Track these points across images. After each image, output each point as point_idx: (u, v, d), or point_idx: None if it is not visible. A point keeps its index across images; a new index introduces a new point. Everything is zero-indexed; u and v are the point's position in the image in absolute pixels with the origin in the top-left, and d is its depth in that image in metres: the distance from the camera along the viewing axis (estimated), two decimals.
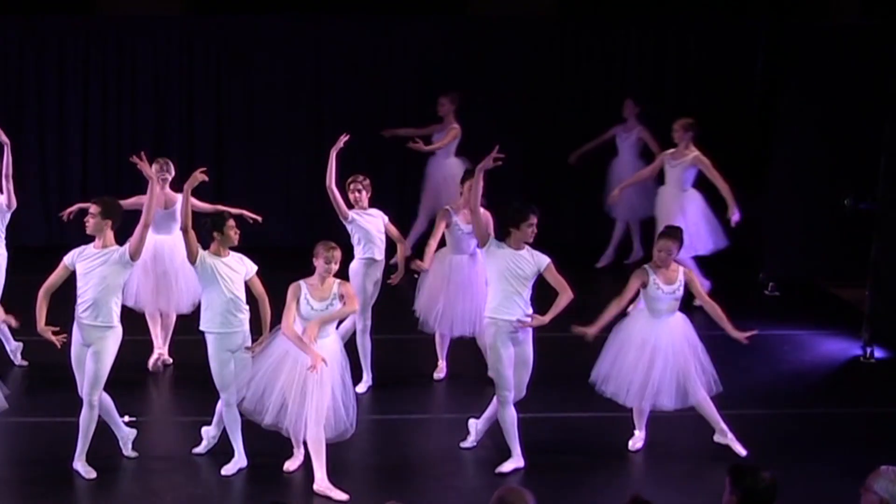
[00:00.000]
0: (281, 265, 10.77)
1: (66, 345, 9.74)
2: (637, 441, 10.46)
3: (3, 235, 11.68)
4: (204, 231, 9.84)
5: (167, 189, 11.89)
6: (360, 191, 11.47)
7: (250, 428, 9.92)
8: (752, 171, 16.28)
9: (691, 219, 13.63)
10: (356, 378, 10.54)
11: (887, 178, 12.79)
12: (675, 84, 16.78)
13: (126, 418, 10.34)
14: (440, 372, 11.96)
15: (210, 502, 9.73)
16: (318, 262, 9.59)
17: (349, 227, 11.44)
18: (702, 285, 13.37)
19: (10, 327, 11.18)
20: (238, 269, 9.84)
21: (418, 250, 12.25)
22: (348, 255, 10.92)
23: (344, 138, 11.50)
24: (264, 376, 9.51)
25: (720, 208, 13.70)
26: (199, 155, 15.72)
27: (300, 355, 9.37)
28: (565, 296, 9.88)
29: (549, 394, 11.22)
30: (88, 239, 9.80)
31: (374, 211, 11.61)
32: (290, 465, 9.93)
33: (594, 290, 14.11)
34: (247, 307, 9.85)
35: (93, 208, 9.77)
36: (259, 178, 16.43)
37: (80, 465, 9.85)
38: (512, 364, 9.88)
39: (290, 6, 16.44)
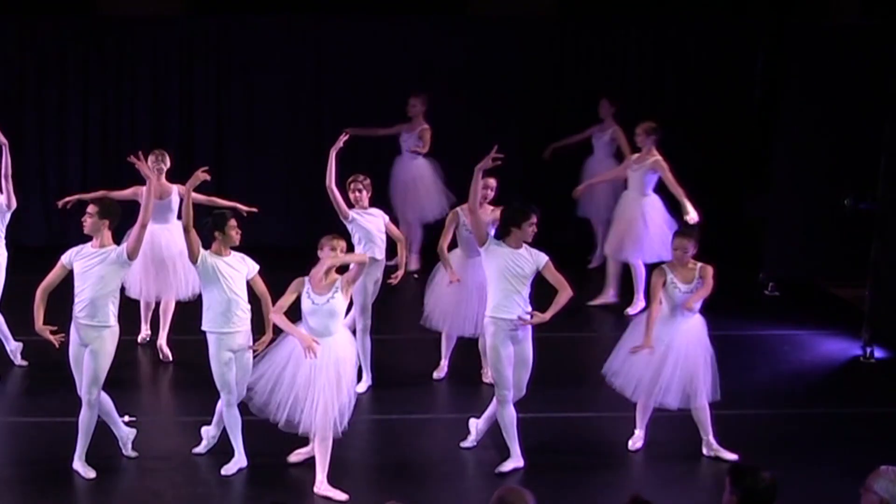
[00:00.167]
0: (281, 265, 10.75)
1: (65, 344, 9.74)
2: (637, 441, 10.47)
3: (3, 235, 11.69)
4: (205, 230, 9.83)
5: (163, 179, 12.09)
6: (360, 190, 11.47)
7: (250, 428, 9.93)
8: (752, 171, 16.30)
9: (651, 224, 13.60)
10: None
11: (887, 178, 12.79)
12: (675, 84, 16.78)
13: (126, 418, 10.35)
14: (440, 371, 11.96)
15: (210, 502, 9.73)
16: (324, 255, 9.57)
17: (349, 227, 11.44)
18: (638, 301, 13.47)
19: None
20: (239, 269, 9.84)
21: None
22: None
23: (344, 137, 11.52)
24: (273, 375, 9.49)
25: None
26: (198, 155, 15.73)
27: (320, 358, 9.36)
28: (565, 293, 9.89)
29: (549, 394, 11.22)
30: (88, 238, 9.79)
31: (375, 210, 11.61)
32: (295, 457, 9.91)
33: (594, 290, 14.16)
34: (248, 307, 9.85)
35: (90, 208, 9.77)
36: (259, 177, 16.43)
37: (80, 465, 9.85)
38: (511, 363, 9.88)
39: (290, 6, 16.44)
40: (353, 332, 11.52)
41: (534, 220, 9.84)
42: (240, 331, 9.80)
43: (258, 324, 9.87)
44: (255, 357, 9.81)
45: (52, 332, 9.67)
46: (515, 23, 16.58)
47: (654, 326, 9.98)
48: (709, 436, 10.27)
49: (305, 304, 9.50)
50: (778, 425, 11.05)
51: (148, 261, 11.88)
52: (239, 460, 9.97)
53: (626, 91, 16.64)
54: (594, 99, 16.02)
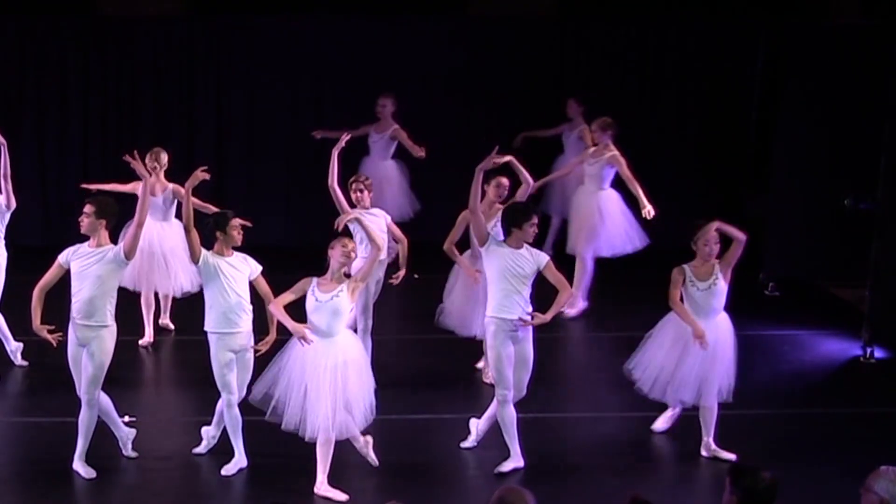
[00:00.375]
0: (281, 265, 10.76)
1: (64, 344, 9.73)
2: (662, 422, 10.47)
3: (3, 235, 11.69)
4: (206, 230, 9.82)
5: (160, 176, 12.39)
6: (361, 190, 11.48)
7: (250, 428, 9.93)
8: (752, 171, 16.30)
9: (608, 219, 13.61)
10: None
11: (887, 179, 12.79)
12: (675, 84, 16.78)
13: (126, 418, 10.35)
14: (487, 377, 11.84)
15: (210, 502, 9.73)
16: (335, 253, 9.56)
17: (351, 227, 11.44)
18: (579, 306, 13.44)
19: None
20: (242, 269, 9.82)
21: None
22: None
23: (346, 137, 11.55)
24: (284, 381, 9.48)
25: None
26: (198, 155, 15.71)
27: (317, 356, 9.37)
28: (565, 293, 9.91)
29: (549, 394, 11.22)
30: (86, 238, 9.78)
31: (377, 210, 11.62)
32: (368, 449, 9.94)
33: (594, 290, 14.15)
34: (250, 307, 9.84)
35: (87, 208, 9.73)
36: (259, 178, 16.44)
37: (80, 465, 9.84)
38: (511, 363, 9.88)
39: (290, 6, 16.45)
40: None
41: (535, 220, 9.85)
42: (241, 331, 9.78)
43: (261, 324, 9.86)
44: (257, 355, 9.80)
45: (50, 332, 9.67)
46: (515, 23, 16.59)
47: (681, 322, 9.97)
48: (709, 437, 10.27)
49: (309, 302, 9.48)
50: (778, 425, 11.06)
51: (143, 254, 11.95)
52: (239, 460, 9.97)
53: (627, 91, 16.66)
54: (594, 99, 16.04)
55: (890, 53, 12.89)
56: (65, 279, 9.72)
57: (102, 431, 9.96)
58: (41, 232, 16.02)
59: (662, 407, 10.47)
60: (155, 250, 12.36)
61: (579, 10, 16.81)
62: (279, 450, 9.92)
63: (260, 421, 9.66)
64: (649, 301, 13.58)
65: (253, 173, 16.48)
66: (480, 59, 16.50)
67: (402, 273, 11.67)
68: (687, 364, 10.04)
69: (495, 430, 10.16)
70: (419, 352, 12.54)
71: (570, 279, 11.46)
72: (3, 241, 11.70)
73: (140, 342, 12.62)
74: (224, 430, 10.06)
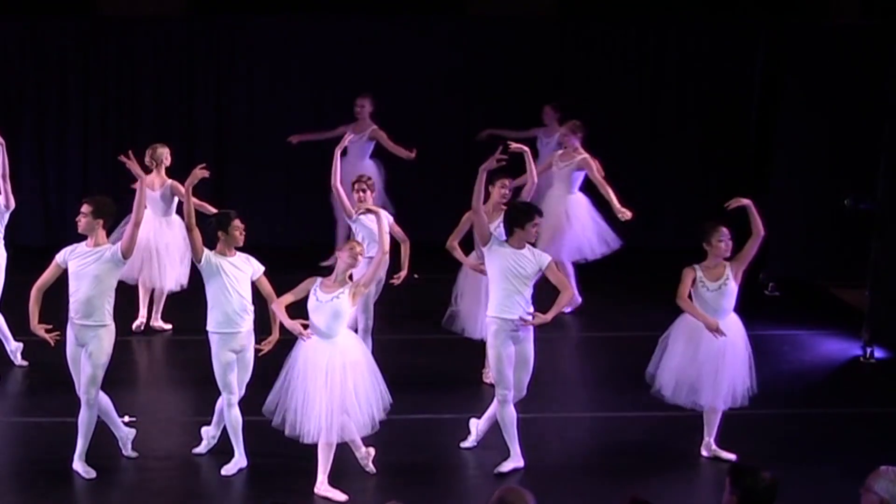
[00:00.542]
0: (281, 265, 10.76)
1: (62, 344, 9.74)
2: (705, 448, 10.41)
3: (2, 235, 11.69)
4: (209, 231, 9.82)
5: (160, 171, 12.72)
6: (364, 191, 11.48)
7: (250, 428, 9.93)
8: (752, 171, 16.29)
9: (576, 223, 13.57)
10: None
11: (887, 179, 12.79)
12: (675, 84, 16.78)
13: (126, 418, 10.35)
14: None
15: (210, 502, 9.73)
16: (342, 255, 9.56)
17: (354, 227, 11.47)
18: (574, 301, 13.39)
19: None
20: (244, 269, 9.81)
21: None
22: None
23: (349, 137, 11.57)
24: (286, 383, 9.48)
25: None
26: (199, 155, 15.69)
27: (316, 356, 9.37)
28: (566, 293, 9.90)
29: (549, 394, 11.22)
30: (83, 237, 9.78)
31: (380, 210, 11.60)
32: (368, 461, 9.94)
33: (594, 290, 14.16)
34: (252, 308, 9.83)
35: (84, 208, 9.73)
36: (259, 178, 16.43)
37: (80, 465, 9.84)
38: (512, 363, 9.88)
39: (290, 6, 16.45)
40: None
41: (537, 221, 9.85)
42: (242, 331, 9.78)
43: (265, 324, 9.85)
44: (259, 355, 9.79)
45: (47, 331, 9.68)
46: (515, 23, 16.59)
47: (690, 323, 9.95)
48: (710, 437, 10.26)
49: (310, 301, 9.48)
50: (778, 425, 11.05)
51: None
52: (239, 460, 9.97)
53: (627, 91, 16.66)
54: (594, 99, 16.05)
55: (890, 53, 12.89)
56: (63, 279, 9.72)
57: (102, 431, 9.96)
58: (41, 232, 16.02)
59: (662, 407, 10.45)
60: (150, 245, 12.55)
61: (579, 10, 16.81)
62: (279, 450, 9.91)
63: (260, 421, 9.67)
64: (649, 301, 13.65)
65: (253, 173, 16.47)
66: (480, 59, 16.50)
67: (403, 273, 11.67)
68: (702, 367, 9.99)
69: (495, 430, 10.16)
70: (419, 352, 12.54)
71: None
72: (3, 241, 11.70)
73: (133, 325, 12.78)
74: (224, 430, 10.06)
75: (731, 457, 10.10)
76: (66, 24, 16.22)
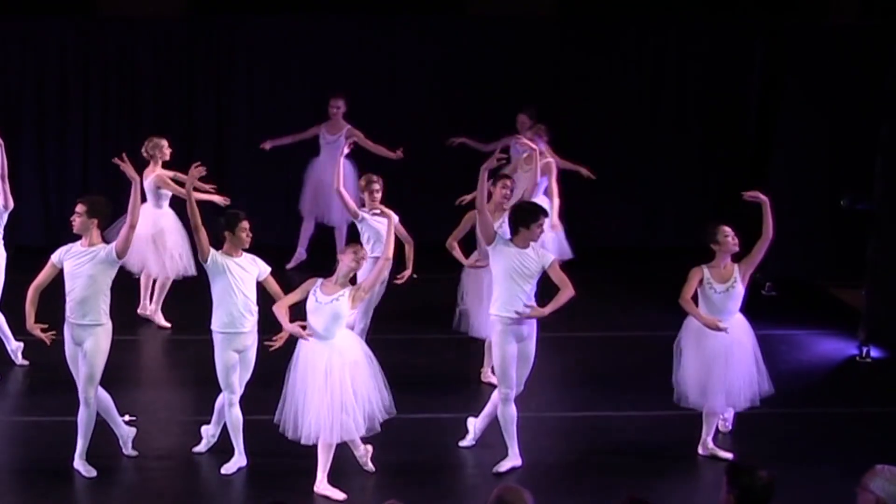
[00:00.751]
0: (281, 264, 10.77)
1: (61, 343, 9.75)
2: (722, 425, 10.46)
3: (2, 235, 11.71)
4: (216, 231, 9.82)
5: (157, 165, 13.02)
6: (376, 191, 11.50)
7: (250, 428, 9.94)
8: (751, 172, 16.30)
9: None
10: None
11: (884, 179, 12.80)
12: (675, 84, 16.79)
13: (126, 417, 10.36)
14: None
15: (210, 502, 9.75)
16: (345, 258, 9.58)
17: (359, 227, 11.50)
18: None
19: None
20: (250, 270, 9.81)
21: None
22: None
23: (350, 143, 11.66)
24: (288, 385, 9.50)
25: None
26: (199, 155, 15.68)
27: (314, 356, 9.40)
28: (566, 292, 9.90)
29: (549, 394, 11.24)
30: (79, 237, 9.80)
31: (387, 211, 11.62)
32: (367, 459, 9.94)
33: (594, 290, 14.17)
34: (256, 308, 9.84)
35: (79, 207, 9.76)
36: (260, 178, 16.44)
37: (80, 464, 9.86)
38: (515, 361, 9.90)
39: (290, 6, 16.46)
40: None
41: (542, 220, 9.88)
42: (246, 332, 9.79)
43: (271, 324, 9.85)
44: (270, 350, 9.78)
45: (43, 331, 9.70)
46: (515, 23, 16.60)
47: (695, 326, 9.94)
48: (708, 436, 10.28)
49: (310, 302, 9.50)
50: (776, 425, 11.05)
51: None
52: (239, 460, 9.98)
53: (627, 91, 16.67)
54: (594, 99, 16.05)
55: (890, 53, 12.90)
56: (60, 279, 9.73)
57: (103, 430, 9.97)
58: (41, 232, 16.02)
59: (660, 406, 10.46)
60: (146, 235, 12.71)
61: (579, 10, 16.81)
62: (279, 449, 9.92)
63: (260, 420, 9.69)
64: (649, 301, 13.67)
65: (253, 173, 16.48)
66: (480, 60, 16.50)
67: (407, 273, 11.67)
68: (711, 368, 9.99)
69: (493, 428, 10.17)
70: (418, 351, 12.55)
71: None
72: (2, 242, 11.72)
73: (139, 310, 13.13)
74: (224, 429, 10.07)
75: (729, 456, 10.11)
76: (66, 24, 16.23)
